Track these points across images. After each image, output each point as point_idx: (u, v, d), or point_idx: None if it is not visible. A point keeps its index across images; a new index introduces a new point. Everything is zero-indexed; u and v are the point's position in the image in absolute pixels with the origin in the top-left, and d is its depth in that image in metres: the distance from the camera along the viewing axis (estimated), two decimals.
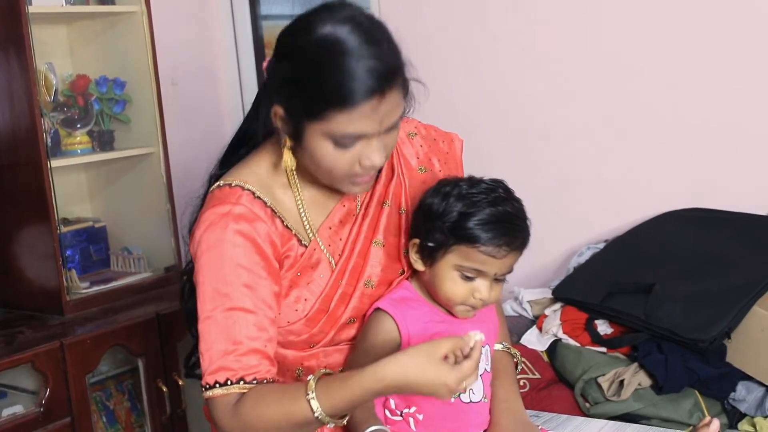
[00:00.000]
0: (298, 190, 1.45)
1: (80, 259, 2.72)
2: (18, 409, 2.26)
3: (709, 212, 2.45)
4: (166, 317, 2.50)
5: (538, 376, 2.22)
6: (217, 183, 1.43)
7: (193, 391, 2.55)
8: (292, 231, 1.43)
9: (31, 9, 2.39)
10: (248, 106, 1.54)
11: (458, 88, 2.87)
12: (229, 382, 1.32)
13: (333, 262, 1.46)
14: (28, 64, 2.36)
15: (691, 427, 1.96)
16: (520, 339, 2.34)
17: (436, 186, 1.46)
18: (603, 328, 2.26)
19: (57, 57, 2.73)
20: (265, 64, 1.39)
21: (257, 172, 1.43)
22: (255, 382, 1.33)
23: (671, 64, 2.50)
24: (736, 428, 2.02)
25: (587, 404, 2.13)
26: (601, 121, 2.65)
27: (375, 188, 1.51)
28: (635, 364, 2.11)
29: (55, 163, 2.45)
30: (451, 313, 1.47)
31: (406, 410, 1.45)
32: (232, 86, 3.35)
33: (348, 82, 1.25)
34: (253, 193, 1.40)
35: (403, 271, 1.51)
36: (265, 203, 1.40)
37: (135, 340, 2.45)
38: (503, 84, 2.81)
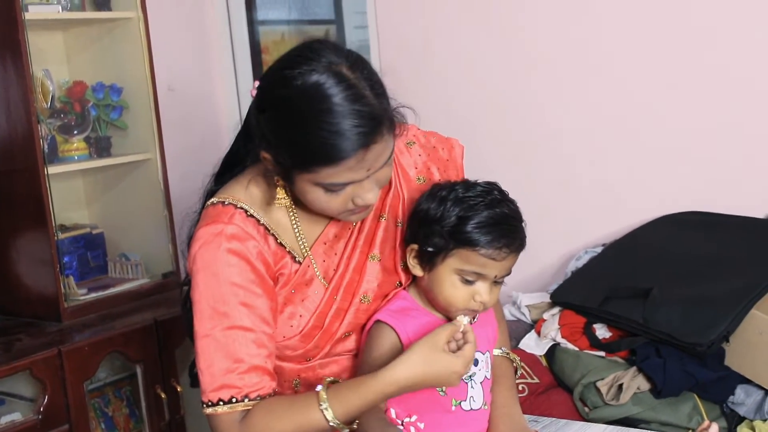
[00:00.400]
0: (292, 206, 1.44)
1: (78, 265, 2.71)
2: (16, 416, 2.26)
3: (707, 216, 2.45)
4: (164, 323, 2.50)
5: (536, 380, 2.22)
6: (211, 200, 1.42)
7: (191, 397, 2.55)
8: (286, 248, 1.43)
9: (27, 15, 2.39)
10: (245, 111, 1.52)
11: (455, 91, 2.87)
12: (234, 400, 1.33)
13: (324, 282, 1.45)
14: (25, 70, 2.36)
15: (690, 431, 1.96)
16: (518, 343, 2.34)
17: (431, 190, 1.45)
18: (601, 332, 2.26)
19: (54, 63, 2.73)
20: (252, 91, 1.36)
21: (251, 189, 1.42)
22: (259, 398, 1.34)
23: (668, 69, 2.50)
24: None
25: (586, 408, 2.13)
26: (598, 125, 2.65)
27: None
28: (634, 368, 2.11)
29: (52, 169, 2.45)
30: (449, 319, 1.46)
31: (407, 419, 1.45)
32: (228, 91, 3.34)
33: (333, 140, 1.24)
34: (246, 211, 1.39)
35: (400, 284, 1.50)
36: (258, 221, 1.40)
37: (133, 347, 2.44)
38: (500, 88, 2.80)
